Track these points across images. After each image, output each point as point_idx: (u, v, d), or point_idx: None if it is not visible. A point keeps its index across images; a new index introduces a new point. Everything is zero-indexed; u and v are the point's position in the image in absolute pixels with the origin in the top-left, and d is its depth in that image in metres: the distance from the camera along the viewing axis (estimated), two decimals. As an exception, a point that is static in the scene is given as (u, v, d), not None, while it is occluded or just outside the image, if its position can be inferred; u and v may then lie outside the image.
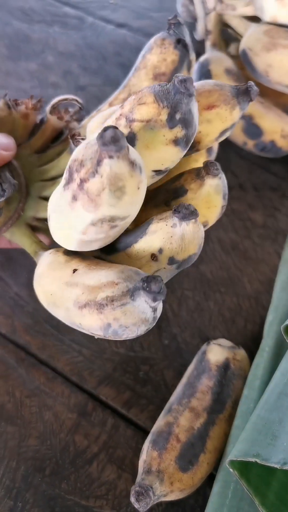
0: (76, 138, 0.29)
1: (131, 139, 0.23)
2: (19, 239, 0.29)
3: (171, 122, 0.22)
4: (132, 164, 0.20)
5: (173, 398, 0.29)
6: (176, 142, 0.23)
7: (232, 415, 0.28)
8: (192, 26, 0.45)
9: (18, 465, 0.29)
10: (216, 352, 0.29)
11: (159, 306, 0.22)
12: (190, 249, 0.24)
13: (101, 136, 0.19)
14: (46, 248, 0.28)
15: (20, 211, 0.30)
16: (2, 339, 0.33)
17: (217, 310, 0.35)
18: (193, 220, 0.23)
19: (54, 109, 0.33)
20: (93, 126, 0.28)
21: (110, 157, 0.19)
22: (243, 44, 0.37)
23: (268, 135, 0.36)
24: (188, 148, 0.24)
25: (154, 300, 0.21)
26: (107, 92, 0.42)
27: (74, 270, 0.24)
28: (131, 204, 0.22)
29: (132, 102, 0.23)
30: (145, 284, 0.21)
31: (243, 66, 0.39)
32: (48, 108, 0.33)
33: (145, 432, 0.30)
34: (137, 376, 0.32)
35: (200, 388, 0.28)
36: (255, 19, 0.38)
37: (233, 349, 0.30)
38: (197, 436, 0.27)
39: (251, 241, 0.38)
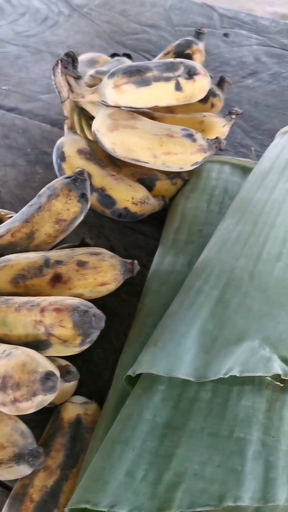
0: None
1: (47, 345, 0.30)
2: None
3: (82, 344, 0.30)
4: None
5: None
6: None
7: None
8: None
9: None
10: (69, 410, 0.32)
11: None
12: None
13: (40, 380, 0.27)
14: None
15: None
16: None
17: (85, 367, 0.37)
18: None
19: None
20: None
21: (45, 395, 0.27)
22: (93, 126, 0.42)
23: (121, 203, 0.41)
24: None
25: (32, 467, 0.28)
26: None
27: None
28: None
29: (52, 317, 0.30)
30: (29, 457, 0.28)
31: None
32: None
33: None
34: None
35: (54, 446, 0.31)
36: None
37: (85, 404, 0.33)
38: (50, 493, 0.30)
39: (119, 298, 0.41)
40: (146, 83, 0.39)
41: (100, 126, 0.41)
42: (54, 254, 0.35)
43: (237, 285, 0.34)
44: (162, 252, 0.40)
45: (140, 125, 0.39)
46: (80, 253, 0.35)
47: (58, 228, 0.37)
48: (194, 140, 0.39)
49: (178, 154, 0.39)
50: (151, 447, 0.28)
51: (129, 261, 0.36)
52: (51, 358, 0.32)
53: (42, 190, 0.37)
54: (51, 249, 0.38)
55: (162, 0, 0.72)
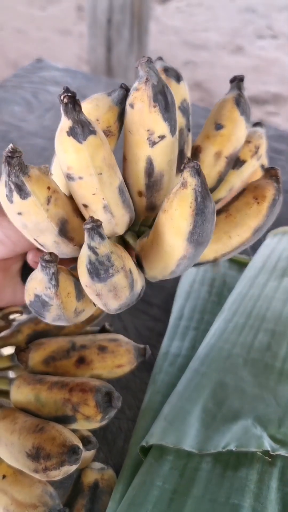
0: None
1: (73, 419, 0.35)
2: None
3: (102, 420, 0.35)
4: None
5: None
6: None
7: (102, 526, 0.36)
8: None
9: None
10: (88, 475, 0.38)
11: None
12: None
13: (68, 453, 0.32)
14: None
15: None
16: None
17: (102, 434, 0.43)
18: None
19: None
20: None
21: (70, 465, 0.32)
22: None
23: None
24: None
25: None
26: None
27: (4, 476, 0.34)
28: None
29: (79, 396, 0.35)
30: None
31: None
32: None
33: None
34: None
35: (76, 507, 0.36)
36: None
37: (102, 470, 0.38)
38: None
39: (131, 374, 0.47)
40: None
41: None
42: (79, 339, 0.42)
43: (233, 370, 0.40)
44: (170, 336, 0.47)
45: None
46: (101, 338, 0.42)
47: (85, 322, 0.44)
48: None
49: None
50: (160, 510, 0.33)
51: (142, 346, 0.43)
52: (75, 429, 0.38)
53: None
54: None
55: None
